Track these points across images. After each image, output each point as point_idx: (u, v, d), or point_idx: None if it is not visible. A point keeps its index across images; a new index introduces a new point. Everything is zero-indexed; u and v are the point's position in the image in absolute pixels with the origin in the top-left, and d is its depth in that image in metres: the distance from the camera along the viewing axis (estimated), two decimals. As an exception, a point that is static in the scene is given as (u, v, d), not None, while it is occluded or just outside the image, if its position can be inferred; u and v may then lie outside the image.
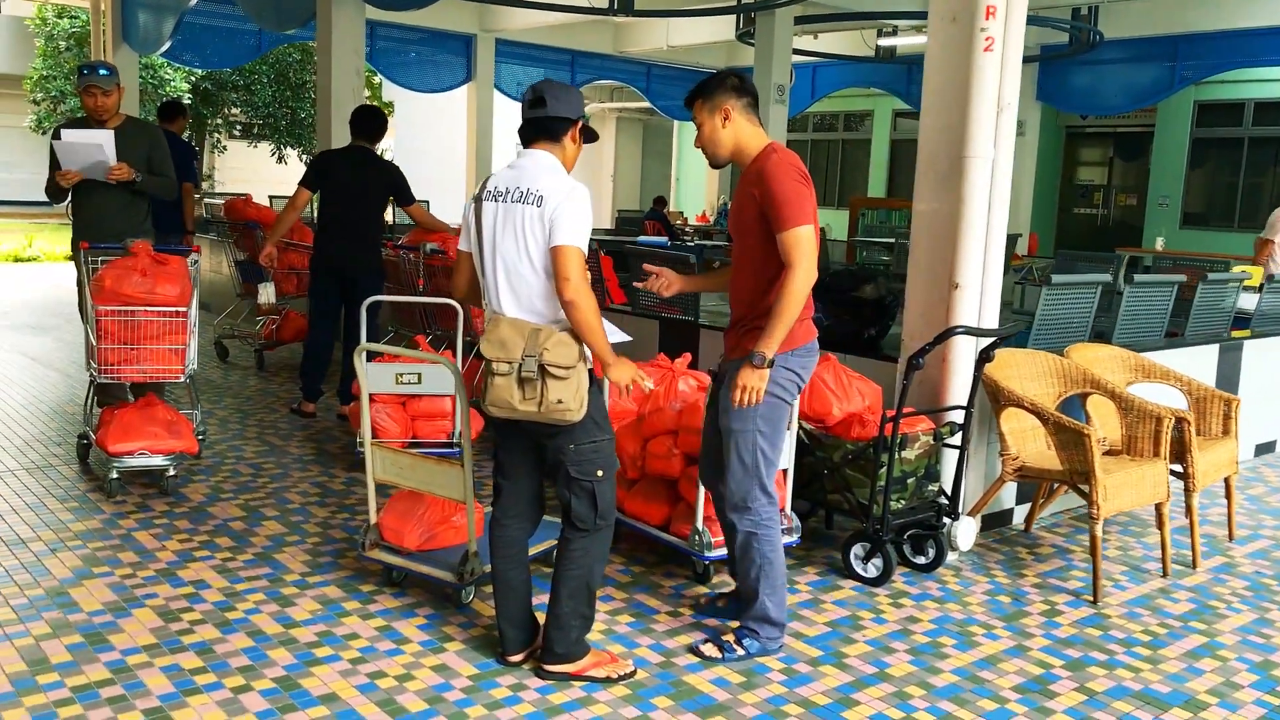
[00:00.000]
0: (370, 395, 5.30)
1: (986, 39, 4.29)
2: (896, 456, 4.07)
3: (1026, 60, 14.23)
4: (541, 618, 3.39)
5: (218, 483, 5.13)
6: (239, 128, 26.47)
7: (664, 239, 13.10)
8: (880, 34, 14.92)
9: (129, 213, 5.73)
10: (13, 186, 27.24)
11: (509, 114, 15.81)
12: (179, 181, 7.21)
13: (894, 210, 16.99)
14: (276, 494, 5.00)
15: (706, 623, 3.73)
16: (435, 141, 22.31)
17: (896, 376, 4.79)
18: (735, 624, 3.58)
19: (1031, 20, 12.48)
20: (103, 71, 5.51)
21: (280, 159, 25.34)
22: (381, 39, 14.85)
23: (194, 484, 5.08)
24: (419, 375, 5.31)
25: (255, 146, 26.50)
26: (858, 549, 4.20)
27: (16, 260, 15.77)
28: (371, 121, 6.47)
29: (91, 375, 4.97)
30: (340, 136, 8.72)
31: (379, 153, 6.56)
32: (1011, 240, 14.15)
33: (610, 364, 3.18)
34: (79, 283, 5.67)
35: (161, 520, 4.56)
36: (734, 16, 13.73)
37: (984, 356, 4.23)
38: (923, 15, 12.91)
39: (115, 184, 5.58)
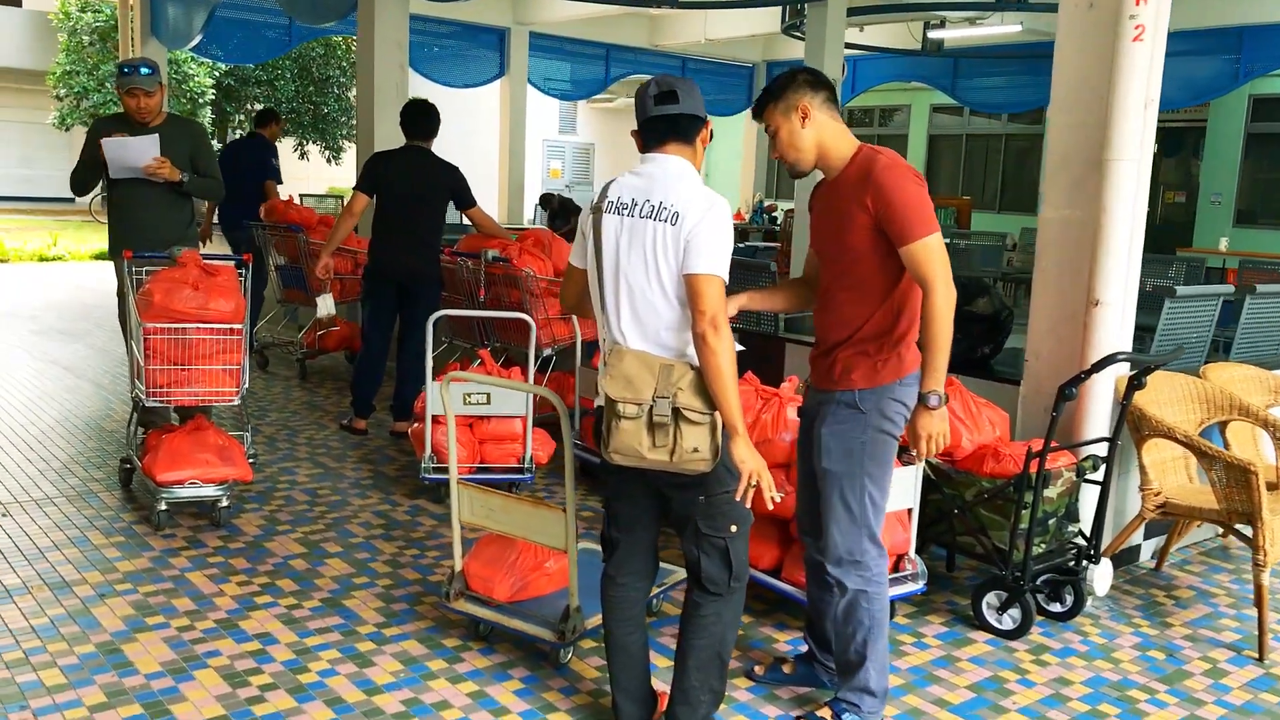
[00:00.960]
0: (434, 417, 4.94)
1: (1136, 27, 3.85)
2: (1041, 495, 3.64)
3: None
4: (661, 686, 2.98)
5: (272, 512, 4.73)
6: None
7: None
8: (927, 26, 14.43)
9: (173, 217, 5.34)
10: (35, 183, 27.03)
11: (538, 110, 15.51)
12: (262, 179, 6.70)
13: (941, 208, 16.54)
14: (337, 525, 4.60)
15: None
16: (456, 140, 21.92)
17: (1019, 401, 4.36)
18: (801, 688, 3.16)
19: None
20: (145, 70, 5.11)
21: (303, 154, 25.04)
22: (413, 32, 14.35)
23: (247, 514, 4.68)
24: (488, 395, 4.91)
25: (279, 142, 26.16)
26: (991, 598, 3.77)
27: (41, 260, 15.45)
28: (426, 118, 6.06)
29: (137, 397, 4.58)
30: (384, 135, 8.32)
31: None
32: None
33: (738, 435, 2.64)
34: (120, 294, 5.29)
35: (216, 558, 4.16)
36: (778, 9, 13.34)
37: (1135, 383, 3.78)
38: (978, 6, 12.48)
39: (159, 187, 5.20)
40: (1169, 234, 16.66)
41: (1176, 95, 13.68)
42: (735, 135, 21.56)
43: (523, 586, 3.51)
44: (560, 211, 14.29)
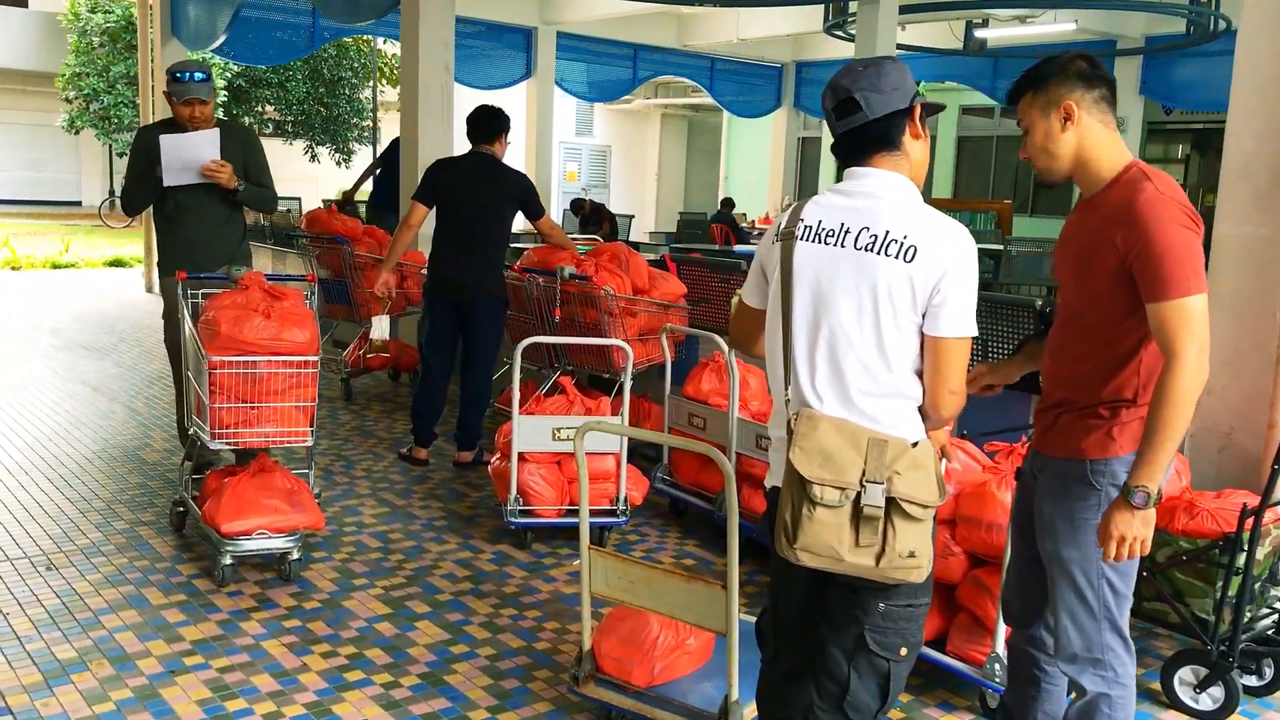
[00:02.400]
0: (522, 454, 4.48)
1: (1348, 22, 3.38)
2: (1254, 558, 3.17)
3: (1132, 52, 13.33)
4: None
5: (344, 562, 4.26)
6: (271, 125, 25.71)
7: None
8: (969, 25, 13.96)
9: (228, 233, 4.90)
10: (44, 186, 26.58)
11: (554, 111, 15.00)
12: None
13: (977, 212, 16.07)
14: (419, 578, 4.13)
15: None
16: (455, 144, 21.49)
17: (1187, 440, 3.89)
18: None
19: (1144, 6, 11.62)
20: (199, 77, 4.65)
21: (313, 157, 24.62)
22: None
23: (316, 565, 4.21)
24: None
25: (291, 144, 25.77)
26: (1187, 674, 3.30)
27: (54, 267, 14.98)
28: (492, 120, 5.58)
29: (197, 436, 4.11)
30: (430, 137, 7.89)
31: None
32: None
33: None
34: (167, 317, 4.83)
35: (292, 622, 3.69)
36: (819, 7, 12.87)
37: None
38: (1033, 2, 12.00)
39: (212, 199, 4.75)
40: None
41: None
42: (763, 136, 21.12)
43: (663, 669, 3.04)
44: (592, 217, 13.85)
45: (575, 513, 4.50)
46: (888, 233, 2.15)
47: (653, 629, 3.06)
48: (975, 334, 2.17)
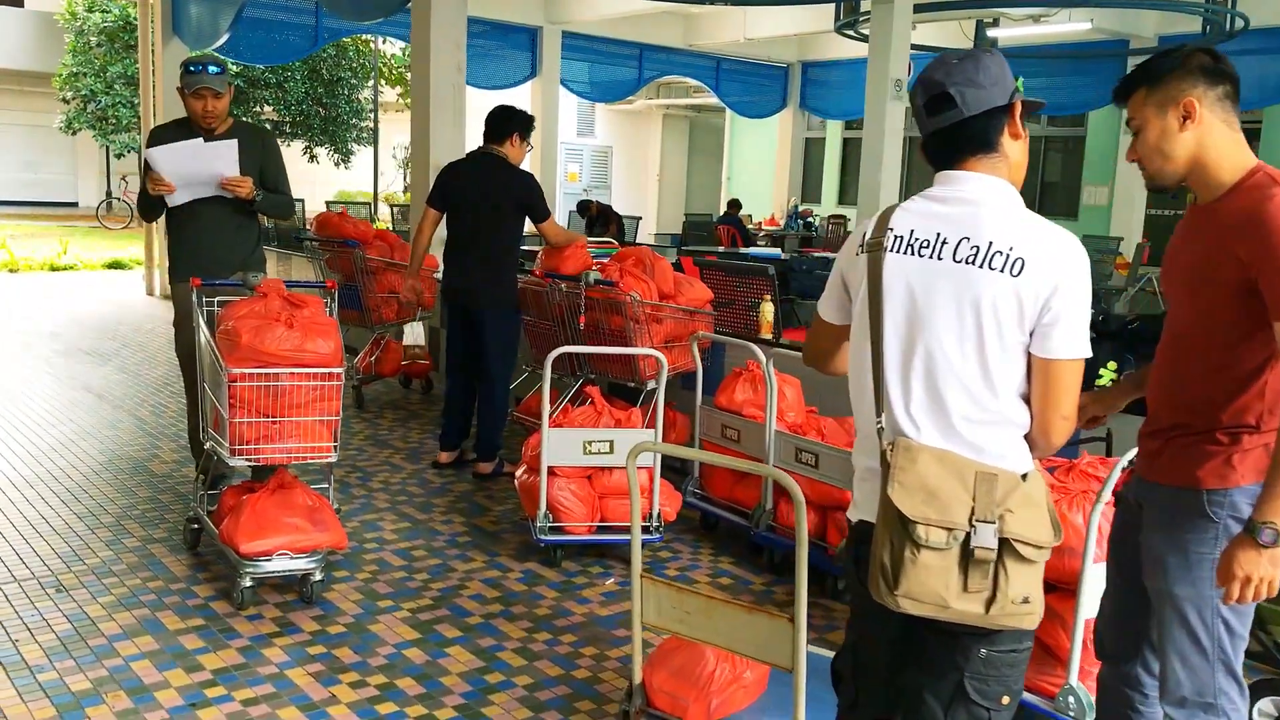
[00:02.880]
0: (551, 469, 4.30)
1: None
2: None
3: (1145, 51, 13.18)
4: None
5: (367, 582, 4.08)
6: (269, 125, 25.52)
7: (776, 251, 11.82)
8: (980, 25, 13.80)
9: (242, 238, 4.71)
10: (40, 188, 26.33)
11: (564, 112, 14.84)
12: None
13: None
14: (446, 600, 3.95)
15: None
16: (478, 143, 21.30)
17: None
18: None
19: (1161, 5, 11.45)
20: (214, 70, 4.47)
21: (311, 157, 24.41)
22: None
23: (339, 585, 4.03)
24: (610, 444, 4.26)
25: (289, 145, 25.57)
26: (1267, 705, 3.12)
27: (52, 269, 14.77)
28: (505, 123, 5.41)
29: (214, 451, 3.93)
30: (442, 141, 7.71)
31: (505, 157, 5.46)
32: (1138, 249, 13.09)
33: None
34: (180, 324, 4.65)
35: (316, 648, 3.50)
36: (829, 6, 12.69)
37: None
38: (1043, 1, 11.83)
39: (226, 202, 4.57)
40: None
41: (1252, 95, 13.09)
42: (766, 137, 20.97)
43: (720, 704, 2.86)
44: (599, 218, 13.66)
45: (606, 529, 4.34)
46: (991, 244, 1.96)
47: (708, 662, 2.89)
48: (1089, 355, 1.98)
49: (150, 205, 4.64)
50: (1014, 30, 13.37)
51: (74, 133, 21.85)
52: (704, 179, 25.99)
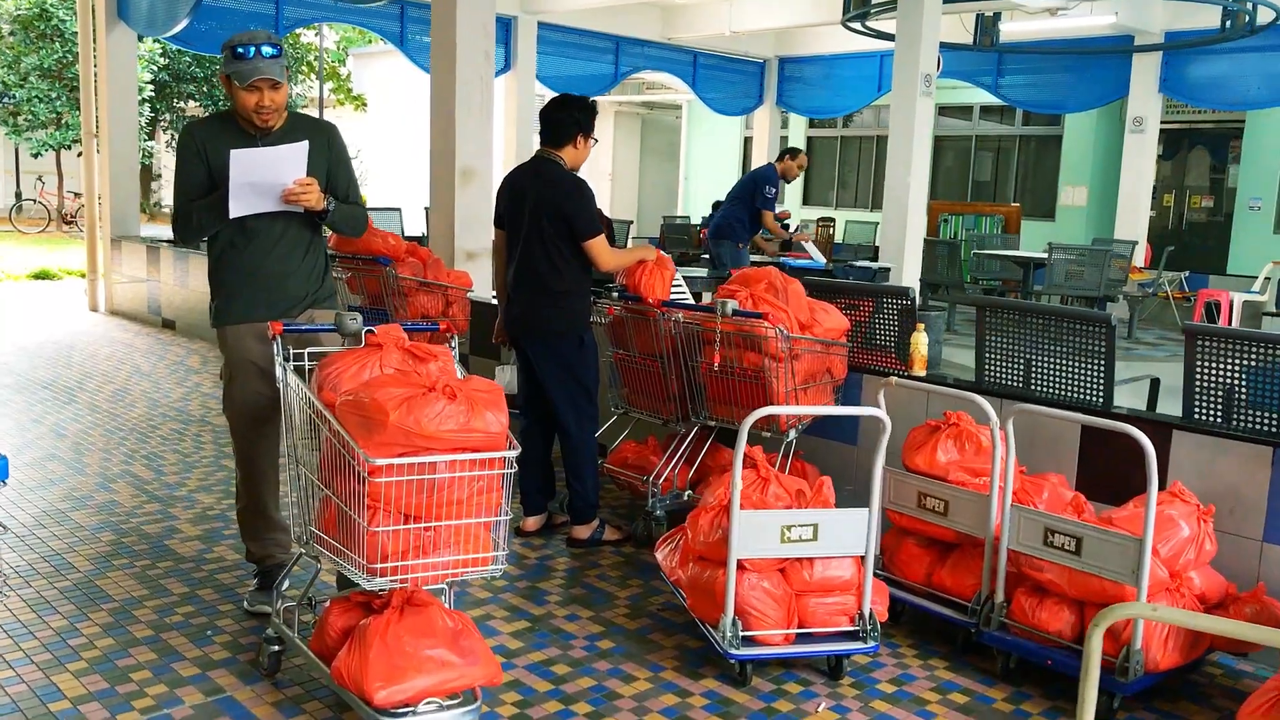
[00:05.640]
0: (742, 561, 3.38)
1: None
2: None
3: (1152, 48, 12.68)
4: None
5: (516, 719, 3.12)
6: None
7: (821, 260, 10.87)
8: (979, 19, 13.14)
9: (310, 265, 3.72)
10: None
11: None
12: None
13: (983, 216, 15.37)
14: (633, 747, 3.01)
15: None
16: (419, 141, 20.16)
17: None
18: None
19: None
20: (269, 51, 3.44)
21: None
22: (408, 20, 12.76)
23: (483, 728, 3.06)
24: (814, 528, 3.36)
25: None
26: None
27: (-26, 283, 13.26)
28: (556, 120, 4.49)
29: (341, 572, 2.91)
30: (470, 142, 6.73)
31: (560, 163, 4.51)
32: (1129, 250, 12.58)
33: None
34: (236, 380, 3.62)
35: (503, 844, 2.55)
36: (833, -3, 11.93)
37: None
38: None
39: (288, 220, 3.57)
40: (1197, 237, 15.78)
41: (1261, 94, 12.64)
42: (725, 135, 20.23)
43: None
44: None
45: (807, 637, 3.43)
46: None
47: None
48: None
49: (191, 224, 3.60)
50: (1019, 25, 12.74)
51: (-11, 133, 20.15)
52: (658, 178, 25.15)
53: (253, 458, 3.67)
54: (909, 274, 9.89)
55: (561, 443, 4.58)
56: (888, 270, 9.21)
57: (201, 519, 4.70)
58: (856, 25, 11.89)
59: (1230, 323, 11.71)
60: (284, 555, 3.80)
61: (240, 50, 3.46)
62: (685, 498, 4.72)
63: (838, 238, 15.56)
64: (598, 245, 4.44)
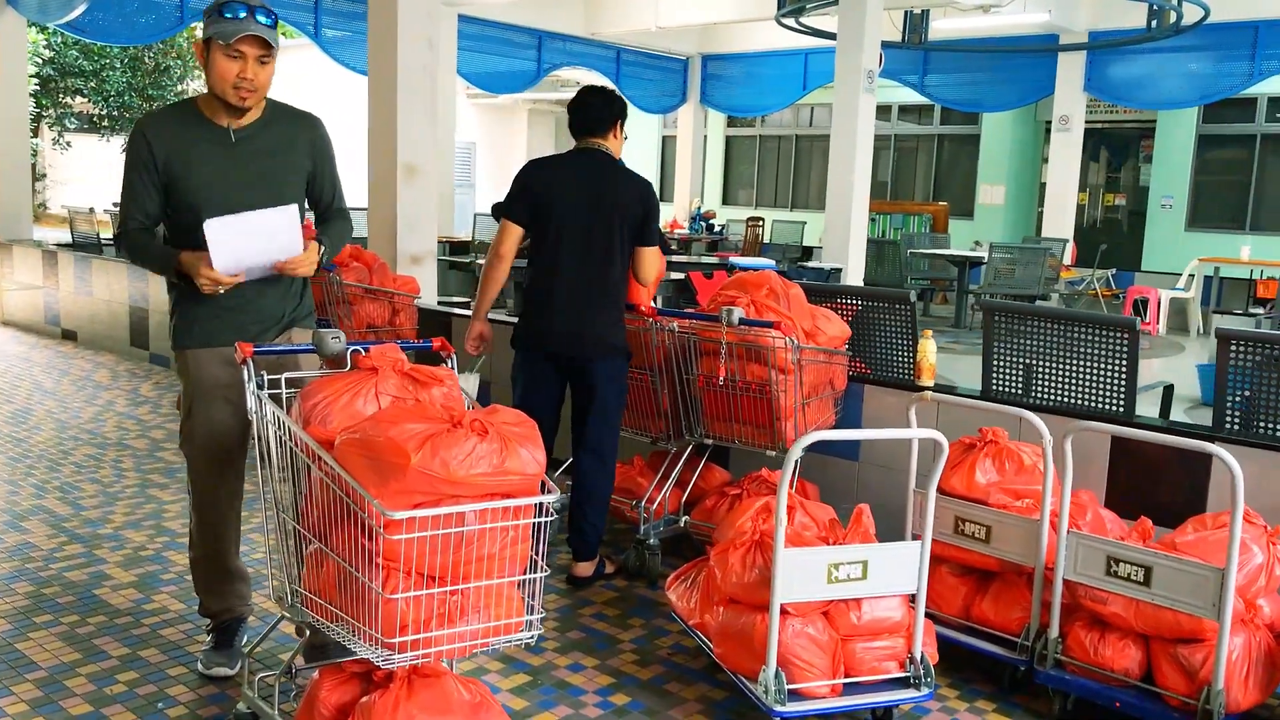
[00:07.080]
0: (785, 606, 3.00)
1: None
2: None
3: (1082, 46, 12.75)
4: None
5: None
6: (73, 120, 22.67)
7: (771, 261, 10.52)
8: (908, 15, 13.01)
9: (286, 282, 3.20)
10: None
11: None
12: None
13: (910, 215, 15.32)
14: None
15: None
16: (339, 139, 19.38)
17: None
18: None
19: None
20: (264, 18, 2.93)
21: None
22: (319, 11, 12.12)
23: (504, 813, 2.62)
24: (864, 565, 3.01)
25: (107, 140, 22.82)
26: None
27: None
28: (598, 107, 4.07)
29: (349, 646, 2.43)
30: (412, 137, 6.23)
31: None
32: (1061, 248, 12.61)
33: None
34: (194, 412, 3.12)
35: None
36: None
37: None
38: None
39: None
40: (1107, 235, 15.98)
41: (1183, 94, 12.82)
42: (644, 135, 19.87)
43: None
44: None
45: (855, 687, 3.07)
46: None
47: None
48: None
49: (145, 253, 3.09)
50: (949, 22, 12.65)
51: None
52: (573, 178, 24.70)
53: (214, 502, 3.16)
54: (853, 274, 9.69)
55: (591, 472, 4.06)
56: (839, 271, 8.96)
57: (134, 561, 4.14)
58: (790, 21, 11.65)
59: (1158, 320, 11.84)
60: (244, 608, 3.30)
61: (228, 12, 2.93)
62: (681, 523, 4.34)
63: (765, 237, 15.34)
64: (658, 254, 4.06)
